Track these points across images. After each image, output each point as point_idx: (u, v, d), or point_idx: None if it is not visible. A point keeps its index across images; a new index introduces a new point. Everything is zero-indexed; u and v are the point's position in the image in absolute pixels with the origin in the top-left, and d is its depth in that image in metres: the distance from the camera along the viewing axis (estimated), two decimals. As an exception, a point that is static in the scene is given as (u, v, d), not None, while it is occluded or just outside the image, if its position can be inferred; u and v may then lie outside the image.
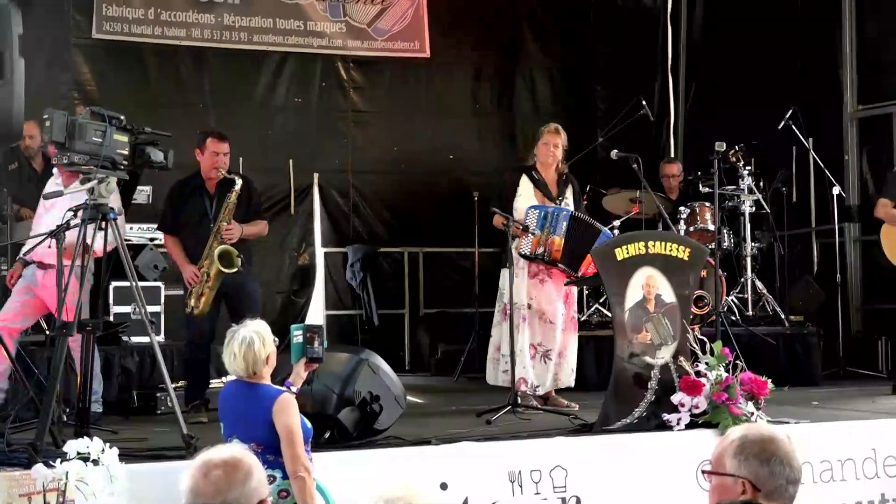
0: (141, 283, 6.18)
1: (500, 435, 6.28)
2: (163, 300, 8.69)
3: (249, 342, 4.87)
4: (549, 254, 7.59)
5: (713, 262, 8.38)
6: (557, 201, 7.85)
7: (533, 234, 7.55)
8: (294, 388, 5.07)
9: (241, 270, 7.29)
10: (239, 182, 7.40)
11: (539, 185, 7.89)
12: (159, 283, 8.77)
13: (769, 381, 6.40)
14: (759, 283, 9.69)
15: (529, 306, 7.70)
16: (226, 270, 7.24)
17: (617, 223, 9.44)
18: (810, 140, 10.27)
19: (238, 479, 2.89)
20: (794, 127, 10.12)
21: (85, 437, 4.83)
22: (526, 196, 7.84)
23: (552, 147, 7.90)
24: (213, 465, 2.91)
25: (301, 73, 11.25)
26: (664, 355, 6.44)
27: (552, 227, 7.57)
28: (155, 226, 8.84)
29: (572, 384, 7.88)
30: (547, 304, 7.73)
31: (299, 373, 5.23)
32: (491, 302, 8.02)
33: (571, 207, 7.84)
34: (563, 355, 7.78)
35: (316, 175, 11.20)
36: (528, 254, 7.63)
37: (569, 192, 7.96)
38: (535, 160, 7.99)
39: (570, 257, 7.55)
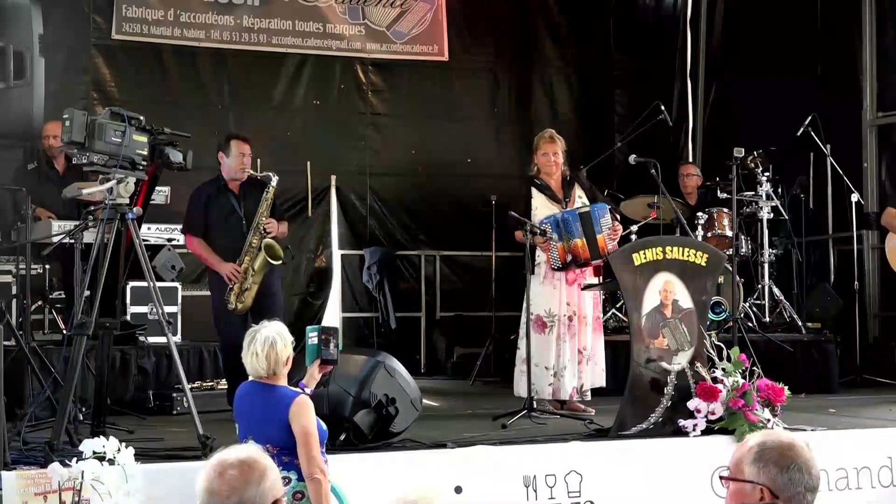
0: (158, 284, 6.18)
1: (515, 439, 6.28)
2: (180, 300, 8.70)
3: (272, 342, 4.89)
4: (580, 258, 7.42)
5: (731, 268, 8.36)
6: (564, 203, 7.79)
7: (551, 238, 7.46)
8: (308, 390, 5.07)
9: (275, 267, 7.38)
10: (275, 178, 7.53)
11: (544, 190, 7.81)
12: (176, 284, 8.78)
13: (786, 387, 6.39)
14: (776, 290, 9.65)
15: (575, 314, 7.62)
16: (274, 262, 7.39)
17: (635, 228, 9.42)
18: (829, 147, 10.21)
19: (253, 478, 2.89)
20: (812, 133, 10.06)
21: (101, 437, 4.85)
22: (542, 206, 7.76)
23: (552, 156, 7.82)
24: (228, 464, 2.91)
25: (320, 76, 11.25)
26: (681, 361, 6.43)
27: (569, 232, 7.41)
28: (173, 226, 8.85)
29: (605, 383, 7.81)
30: (586, 307, 7.69)
31: (313, 374, 5.24)
32: (507, 306, 7.95)
33: (586, 204, 7.75)
34: (593, 357, 7.75)
35: (333, 177, 11.20)
36: (561, 266, 7.48)
37: (577, 192, 7.88)
38: (535, 170, 7.92)
39: (597, 249, 7.41)
